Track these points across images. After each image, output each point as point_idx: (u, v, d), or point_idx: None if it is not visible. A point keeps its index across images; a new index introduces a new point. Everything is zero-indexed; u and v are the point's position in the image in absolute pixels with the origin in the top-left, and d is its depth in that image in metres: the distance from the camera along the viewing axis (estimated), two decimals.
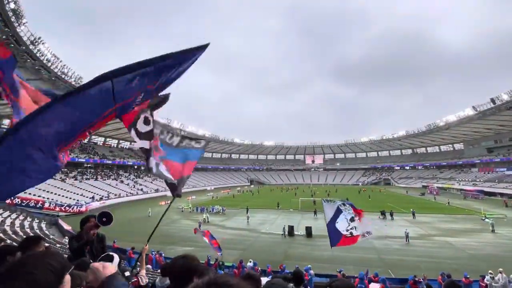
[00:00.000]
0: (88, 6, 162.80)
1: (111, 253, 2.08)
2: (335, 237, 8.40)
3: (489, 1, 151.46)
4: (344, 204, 9.49)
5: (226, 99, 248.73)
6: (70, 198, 36.53)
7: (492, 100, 49.26)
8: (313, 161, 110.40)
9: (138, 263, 3.14)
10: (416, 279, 9.73)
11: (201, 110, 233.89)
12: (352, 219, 9.14)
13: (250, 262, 12.94)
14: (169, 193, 37.40)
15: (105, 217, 2.98)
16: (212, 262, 12.98)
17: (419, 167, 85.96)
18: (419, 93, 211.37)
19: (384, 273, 12.46)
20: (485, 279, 10.12)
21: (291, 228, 22.28)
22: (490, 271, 10.48)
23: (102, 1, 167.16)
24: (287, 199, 45.17)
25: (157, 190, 54.74)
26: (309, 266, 11.86)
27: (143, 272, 2.91)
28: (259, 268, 12.22)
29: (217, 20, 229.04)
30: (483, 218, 27.02)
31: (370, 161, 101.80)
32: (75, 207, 33.25)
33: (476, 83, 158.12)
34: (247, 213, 30.33)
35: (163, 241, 19.80)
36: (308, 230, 21.68)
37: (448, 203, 39.70)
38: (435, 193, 52.38)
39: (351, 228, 9.04)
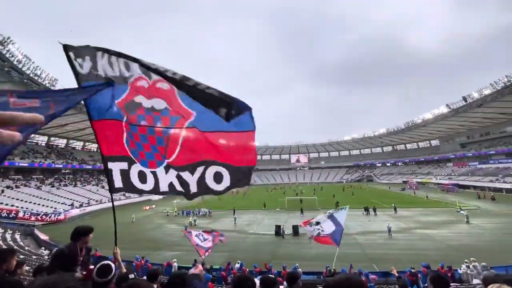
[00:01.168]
0: (69, 8, 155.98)
1: (106, 262, 2.04)
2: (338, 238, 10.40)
3: (456, 9, 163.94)
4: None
5: None
6: (47, 206, 34.75)
7: (464, 98, 52.22)
8: (298, 161, 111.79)
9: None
10: (413, 271, 10.07)
11: None
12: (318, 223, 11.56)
13: (238, 263, 12.89)
14: (154, 197, 36.39)
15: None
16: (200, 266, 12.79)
17: (399, 164, 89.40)
18: (396, 93, 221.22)
19: (368, 268, 12.86)
20: (461, 269, 10.68)
21: (278, 228, 22.43)
22: (466, 260, 11.07)
23: (84, 3, 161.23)
24: (274, 199, 45.42)
25: (140, 195, 53.22)
26: (296, 264, 12.00)
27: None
28: (247, 269, 12.21)
29: (199, 24, 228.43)
30: (458, 210, 28.52)
31: (353, 159, 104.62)
32: (53, 215, 31.66)
33: (448, 83, 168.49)
34: (234, 214, 30.19)
35: (149, 246, 19.31)
36: (295, 229, 21.91)
37: (427, 197, 41.58)
38: (414, 188, 54.67)
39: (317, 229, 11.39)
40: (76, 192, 44.00)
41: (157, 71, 2.31)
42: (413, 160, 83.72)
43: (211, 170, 2.61)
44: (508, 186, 42.34)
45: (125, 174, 2.76)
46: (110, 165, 2.76)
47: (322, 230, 11.39)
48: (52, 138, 53.78)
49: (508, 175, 45.32)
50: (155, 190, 2.76)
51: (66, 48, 2.32)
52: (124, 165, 2.74)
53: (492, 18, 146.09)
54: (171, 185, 2.71)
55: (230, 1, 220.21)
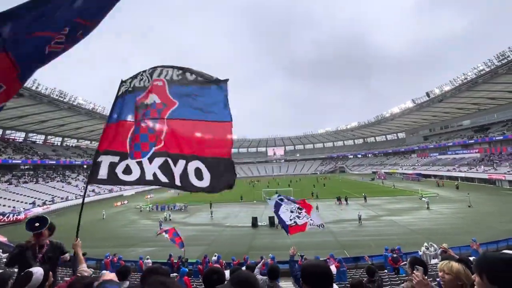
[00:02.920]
0: None
1: (29, 270, 1.85)
2: (285, 226, 9.11)
3: (418, 11, 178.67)
4: (281, 199, 10.47)
5: None
6: (4, 206, 31.86)
7: (427, 94, 55.98)
8: (274, 153, 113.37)
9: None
10: (395, 255, 10.70)
11: None
12: (292, 211, 10.26)
13: (215, 256, 12.90)
14: (125, 193, 35.08)
15: (38, 221, 2.72)
16: (175, 261, 12.61)
17: (369, 155, 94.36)
18: (364, 88, 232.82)
19: (340, 254, 13.54)
20: (420, 250, 11.66)
21: (255, 220, 22.72)
22: (425, 243, 12.10)
23: None
24: (251, 192, 45.81)
25: (111, 191, 50.64)
26: (272, 255, 12.28)
27: (83, 266, 2.68)
28: (224, 262, 12.27)
29: (169, 17, 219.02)
30: (420, 197, 30.98)
31: (327, 151, 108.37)
32: (11, 215, 29.12)
33: (412, 80, 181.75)
34: (210, 208, 30.00)
35: (122, 243, 18.62)
36: (271, 220, 22.34)
37: (393, 186, 44.54)
38: (383, 178, 58.23)
39: (293, 218, 10.19)
40: (38, 190, 40.75)
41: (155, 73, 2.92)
42: (382, 152, 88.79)
43: (192, 166, 2.77)
44: (462, 174, 46.75)
45: (112, 166, 2.93)
46: (102, 157, 2.93)
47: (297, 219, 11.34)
48: (7, 131, 48.89)
49: (463, 165, 49.94)
50: (140, 180, 2.91)
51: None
52: (115, 158, 2.93)
53: (448, 23, 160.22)
54: (154, 175, 2.87)
55: None
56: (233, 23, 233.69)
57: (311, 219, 9.27)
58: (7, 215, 28.74)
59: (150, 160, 2.87)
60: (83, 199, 3.18)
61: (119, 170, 2.93)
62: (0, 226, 26.37)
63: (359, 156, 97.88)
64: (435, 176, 53.17)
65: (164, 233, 13.62)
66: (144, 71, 2.97)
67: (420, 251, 11.62)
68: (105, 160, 2.94)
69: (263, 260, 9.43)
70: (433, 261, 10.62)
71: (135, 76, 3.03)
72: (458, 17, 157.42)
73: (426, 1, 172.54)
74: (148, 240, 19.74)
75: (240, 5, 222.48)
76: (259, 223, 22.72)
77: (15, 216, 29.15)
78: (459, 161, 53.59)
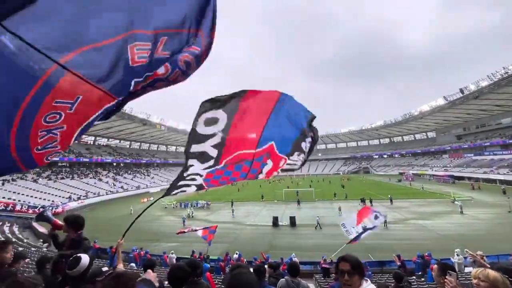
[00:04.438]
0: None
1: (79, 255, 2.03)
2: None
3: (442, 8, 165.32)
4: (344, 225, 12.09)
5: (207, 97, 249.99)
6: (45, 199, 34.71)
7: (461, 90, 52.31)
8: None
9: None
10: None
11: (180, 109, 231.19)
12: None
13: (236, 254, 13.08)
14: (151, 189, 36.73)
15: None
16: (198, 257, 12.96)
17: (396, 155, 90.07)
18: (388, 88, 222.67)
19: (364, 257, 13.11)
20: (453, 257, 10.90)
21: (275, 219, 22.67)
22: (456, 250, 11.28)
23: None
24: (271, 191, 45.77)
25: (138, 187, 53.32)
26: (293, 254, 12.20)
27: (120, 266, 2.86)
28: (245, 260, 12.40)
29: None
30: (453, 200, 29.00)
31: (350, 151, 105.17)
32: (50, 208, 31.66)
33: (438, 78, 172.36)
34: (232, 206, 30.42)
35: (148, 238, 19.48)
36: (292, 220, 22.17)
37: (422, 188, 42.14)
38: (410, 179, 55.29)
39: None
40: (73, 185, 43.90)
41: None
42: (410, 152, 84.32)
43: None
44: (501, 177, 42.97)
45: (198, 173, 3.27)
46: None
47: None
48: None
49: (502, 167, 45.96)
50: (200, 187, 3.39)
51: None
52: (210, 167, 3.23)
53: (475, 19, 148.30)
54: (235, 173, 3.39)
55: (226, 3, 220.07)
56: (257, 28, 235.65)
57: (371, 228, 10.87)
58: (47, 208, 31.28)
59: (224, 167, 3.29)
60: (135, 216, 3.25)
61: (200, 178, 3.24)
62: None
63: (385, 156, 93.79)
64: (469, 178, 49.46)
65: (186, 231, 13.57)
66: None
67: (453, 258, 10.89)
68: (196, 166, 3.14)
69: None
70: (467, 269, 9.91)
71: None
72: (488, 12, 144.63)
73: None
74: (171, 236, 20.43)
75: (264, 11, 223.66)
76: (280, 223, 22.64)
77: (54, 210, 31.64)
78: (498, 162, 49.36)
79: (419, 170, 67.56)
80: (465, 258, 10.67)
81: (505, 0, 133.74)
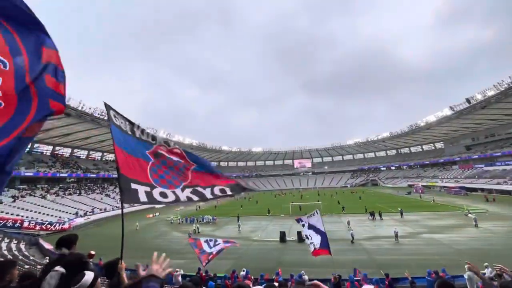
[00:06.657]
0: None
1: (84, 272, 2.00)
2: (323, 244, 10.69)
3: (439, 24, 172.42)
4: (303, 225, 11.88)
5: (214, 112, 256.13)
6: (52, 216, 34.84)
7: (468, 100, 51.83)
8: (301, 165, 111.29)
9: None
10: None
11: (188, 123, 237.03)
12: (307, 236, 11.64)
13: (243, 271, 12.73)
14: (157, 205, 36.43)
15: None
16: (204, 274, 12.65)
17: (404, 167, 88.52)
18: (388, 101, 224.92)
19: (376, 274, 12.60)
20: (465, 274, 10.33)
21: (283, 234, 22.18)
22: (466, 265, 10.70)
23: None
24: (278, 205, 45.09)
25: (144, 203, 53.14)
26: (302, 271, 11.81)
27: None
28: (252, 277, 12.04)
29: (205, 45, 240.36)
30: (466, 213, 28.02)
31: (357, 163, 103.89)
32: (58, 224, 31.72)
33: (438, 91, 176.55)
34: (238, 221, 29.98)
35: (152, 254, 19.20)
36: (300, 235, 21.65)
37: (433, 200, 40.94)
38: (420, 191, 53.92)
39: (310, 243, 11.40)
40: (80, 201, 44.12)
41: (170, 144, 3.84)
42: (418, 163, 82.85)
43: (216, 188, 3.89)
44: None
45: (148, 193, 3.53)
46: (135, 185, 3.44)
47: (314, 244, 11.43)
48: (57, 148, 54.30)
49: None
50: (176, 201, 3.63)
51: (108, 106, 3.28)
52: (147, 188, 3.51)
53: (470, 35, 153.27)
54: (188, 197, 3.69)
55: (231, 27, 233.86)
56: (259, 48, 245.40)
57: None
58: (54, 225, 31.36)
59: (182, 190, 3.69)
60: (122, 219, 3.21)
61: (156, 195, 3.51)
62: (48, 235, 28.81)
63: (393, 168, 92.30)
64: (482, 189, 48.02)
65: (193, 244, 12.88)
66: (138, 126, 3.65)
67: (465, 275, 10.33)
68: (140, 189, 3.43)
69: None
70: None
71: (129, 121, 3.55)
72: (481, 29, 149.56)
73: (446, 15, 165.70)
74: (177, 252, 20.15)
75: (265, 33, 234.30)
76: (287, 238, 22.13)
77: (60, 226, 31.70)
78: (511, 172, 48.00)
79: (429, 181, 65.99)
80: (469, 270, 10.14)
81: (496, 18, 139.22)
